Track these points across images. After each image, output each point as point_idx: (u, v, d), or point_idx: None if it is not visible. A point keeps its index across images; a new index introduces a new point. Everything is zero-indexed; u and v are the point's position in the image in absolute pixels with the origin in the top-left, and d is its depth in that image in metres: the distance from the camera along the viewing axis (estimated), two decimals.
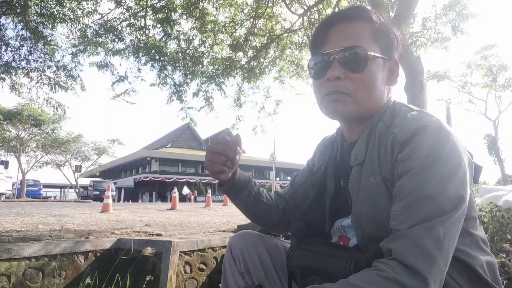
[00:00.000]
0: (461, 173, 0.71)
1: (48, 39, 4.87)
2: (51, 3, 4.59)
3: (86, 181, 38.13)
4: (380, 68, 0.85)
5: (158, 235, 3.08)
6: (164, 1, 5.05)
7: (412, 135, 0.73)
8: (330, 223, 0.96)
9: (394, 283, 0.62)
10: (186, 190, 28.48)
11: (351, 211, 0.86)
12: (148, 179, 39.94)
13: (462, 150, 0.74)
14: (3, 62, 4.72)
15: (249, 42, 5.74)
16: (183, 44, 5.60)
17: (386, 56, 0.87)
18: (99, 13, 4.98)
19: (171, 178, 40.44)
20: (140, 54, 5.28)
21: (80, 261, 2.33)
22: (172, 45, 5.60)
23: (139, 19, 5.13)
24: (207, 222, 4.71)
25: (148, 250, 2.27)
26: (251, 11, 5.61)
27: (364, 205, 0.81)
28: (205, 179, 40.10)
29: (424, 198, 0.67)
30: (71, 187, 38.81)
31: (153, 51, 5.27)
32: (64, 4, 4.64)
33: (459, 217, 0.68)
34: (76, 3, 4.79)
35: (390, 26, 0.89)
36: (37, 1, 4.55)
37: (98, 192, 27.53)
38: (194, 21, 5.38)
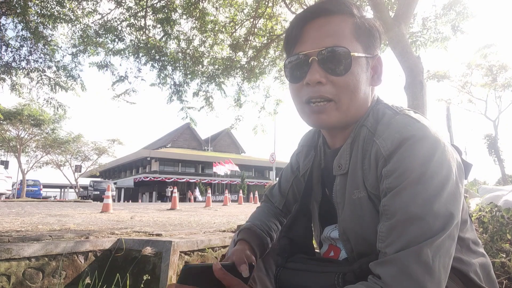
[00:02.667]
0: (449, 187, 0.66)
1: (48, 40, 4.87)
2: (51, 3, 4.60)
3: (86, 181, 38.14)
4: (363, 68, 0.77)
5: (158, 235, 3.08)
6: (164, 1, 5.05)
7: (396, 148, 0.68)
8: (321, 229, 0.94)
9: None
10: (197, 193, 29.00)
11: (338, 223, 0.83)
12: (148, 179, 39.95)
13: (450, 159, 0.69)
14: (4, 63, 4.72)
15: (249, 42, 5.74)
16: (183, 44, 5.61)
17: (369, 54, 0.79)
18: (99, 13, 4.99)
19: (171, 178, 40.45)
20: (140, 54, 5.28)
21: (80, 261, 2.33)
22: (172, 45, 5.62)
23: (139, 19, 5.13)
24: (207, 222, 4.72)
25: (148, 250, 2.27)
26: (251, 11, 5.61)
27: (349, 221, 0.78)
28: (205, 179, 40.13)
29: (410, 218, 0.63)
30: (71, 187, 38.82)
31: (153, 51, 5.27)
32: (64, 4, 4.64)
33: (450, 235, 0.64)
34: (76, 3, 4.79)
35: (372, 20, 0.81)
36: (37, 1, 4.55)
37: (98, 192, 27.54)
38: (194, 21, 5.38)
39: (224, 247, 2.70)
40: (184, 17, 5.33)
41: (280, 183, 1.10)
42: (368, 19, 0.80)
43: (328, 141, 0.90)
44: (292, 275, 0.82)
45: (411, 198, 0.64)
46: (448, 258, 0.64)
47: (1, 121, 20.40)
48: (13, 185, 19.29)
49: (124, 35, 5.16)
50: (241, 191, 18.42)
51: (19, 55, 4.80)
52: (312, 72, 0.75)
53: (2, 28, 4.70)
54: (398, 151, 0.68)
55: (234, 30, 5.77)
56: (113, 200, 24.22)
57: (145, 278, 2.10)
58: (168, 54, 5.47)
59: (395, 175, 0.67)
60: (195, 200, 25.82)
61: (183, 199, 31.70)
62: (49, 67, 5.00)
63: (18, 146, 23.39)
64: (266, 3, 5.50)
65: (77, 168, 32.38)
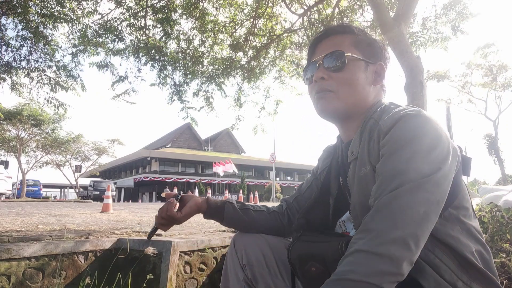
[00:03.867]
0: (436, 153, 0.73)
1: (49, 39, 4.87)
2: (52, 3, 4.60)
3: (86, 181, 38.15)
4: (361, 69, 0.94)
5: (158, 235, 3.08)
6: (164, 1, 5.05)
7: (394, 123, 0.78)
8: (333, 223, 1.01)
9: (355, 253, 0.66)
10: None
11: (350, 202, 0.90)
12: (148, 179, 39.95)
13: (442, 135, 0.76)
14: (4, 62, 4.72)
15: (249, 42, 5.74)
16: (183, 44, 5.61)
17: (370, 60, 0.96)
18: (99, 13, 4.98)
19: (171, 178, 40.46)
20: (140, 54, 5.28)
21: (80, 261, 2.33)
22: (172, 45, 5.62)
23: (139, 19, 5.13)
24: (207, 222, 4.71)
25: (150, 249, 2.26)
26: (251, 11, 5.61)
27: (358, 195, 0.85)
28: (205, 179, 40.14)
29: (395, 174, 0.71)
30: (71, 187, 38.83)
31: (153, 51, 5.28)
32: (65, 4, 4.64)
33: (428, 189, 0.69)
34: (76, 3, 4.79)
35: (373, 38, 1.00)
36: (38, 1, 4.55)
37: (98, 192, 27.55)
38: (194, 21, 5.38)
39: (224, 247, 2.70)
40: (184, 17, 5.33)
41: (300, 186, 1.21)
42: (369, 36, 1.00)
43: (342, 136, 1.02)
44: (301, 245, 0.91)
45: (398, 158, 0.73)
46: (424, 207, 0.68)
47: (1, 121, 20.39)
48: (13, 185, 19.29)
49: (124, 35, 5.16)
50: (241, 191, 18.43)
51: (19, 55, 4.80)
52: (317, 72, 0.96)
53: (2, 28, 4.70)
54: (395, 125, 0.78)
55: (234, 30, 5.77)
56: (113, 200, 24.21)
57: (147, 277, 2.10)
58: (168, 54, 5.47)
59: (389, 144, 0.76)
60: None
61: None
62: (49, 67, 5.00)
63: (18, 146, 23.39)
64: (266, 3, 5.50)
65: (77, 168, 32.39)
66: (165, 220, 1.06)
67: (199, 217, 5.90)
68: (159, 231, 3.30)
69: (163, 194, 1.17)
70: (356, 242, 0.68)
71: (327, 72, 0.94)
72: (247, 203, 1.17)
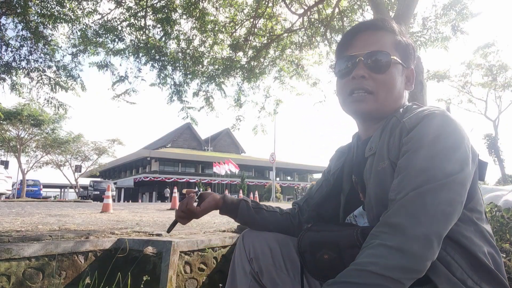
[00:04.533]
0: (459, 154, 0.73)
1: (49, 39, 4.86)
2: (51, 3, 4.59)
3: (86, 181, 38.14)
4: (399, 73, 0.93)
5: (158, 235, 3.08)
6: (164, 1, 5.05)
7: (418, 122, 0.78)
8: (343, 219, 1.02)
9: (378, 246, 0.67)
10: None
11: (365, 197, 0.90)
12: (148, 179, 39.93)
13: (465, 137, 0.77)
14: (4, 62, 4.72)
15: (249, 42, 5.74)
16: (183, 44, 5.61)
17: (405, 65, 0.95)
18: (99, 13, 4.98)
19: (171, 178, 40.44)
20: (140, 54, 5.28)
21: (80, 261, 2.33)
22: (172, 45, 5.61)
23: (139, 19, 5.12)
24: (207, 222, 4.71)
25: (149, 250, 2.26)
26: (251, 11, 5.61)
27: (374, 188, 0.85)
28: (205, 179, 40.12)
29: (419, 170, 0.72)
30: (71, 187, 38.82)
31: (153, 51, 5.27)
32: (64, 4, 4.63)
33: (451, 188, 0.70)
34: (76, 3, 4.79)
35: (409, 39, 0.98)
36: (37, 1, 4.55)
37: (98, 192, 27.53)
38: (194, 21, 5.38)
39: (224, 247, 2.70)
40: (184, 17, 5.33)
41: (310, 188, 1.22)
42: (406, 38, 0.97)
43: (361, 134, 1.02)
44: (315, 235, 0.91)
45: (423, 155, 0.73)
46: (448, 207, 0.69)
47: (1, 121, 20.39)
48: (13, 185, 19.28)
49: (124, 35, 5.16)
50: (241, 191, 18.42)
51: (19, 55, 4.79)
52: (358, 69, 0.91)
53: (2, 28, 4.70)
54: (420, 123, 0.78)
55: (234, 30, 5.76)
56: (113, 200, 24.21)
57: (147, 278, 2.10)
58: (168, 54, 5.46)
59: (413, 141, 0.76)
60: None
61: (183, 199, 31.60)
62: (49, 67, 4.99)
63: (18, 146, 23.38)
64: (266, 3, 5.50)
65: (77, 168, 32.38)
66: (185, 214, 1.11)
67: None
68: (159, 231, 3.30)
69: (184, 191, 1.21)
70: (379, 235, 0.69)
71: (368, 72, 0.91)
72: (261, 203, 1.20)
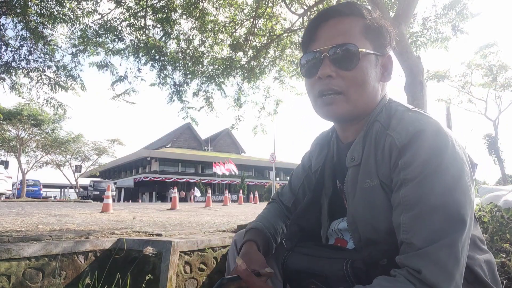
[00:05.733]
0: (464, 179, 0.69)
1: (48, 39, 4.86)
2: (51, 3, 4.59)
3: (86, 181, 38.12)
4: (372, 65, 0.82)
5: (158, 235, 3.08)
6: (164, 1, 5.05)
7: (411, 140, 0.71)
8: (328, 224, 0.96)
9: None
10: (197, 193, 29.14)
11: (346, 213, 0.85)
12: (148, 179, 39.93)
13: (462, 153, 0.72)
14: (3, 62, 4.71)
15: (249, 42, 5.74)
16: (183, 44, 5.61)
17: (379, 52, 0.84)
18: (99, 13, 4.98)
19: (171, 178, 40.43)
20: (140, 54, 5.28)
21: (80, 261, 2.33)
22: (172, 45, 5.62)
23: (139, 19, 5.12)
24: (207, 222, 4.71)
25: (149, 250, 2.26)
26: (251, 11, 5.61)
27: (359, 208, 0.80)
28: (205, 179, 40.11)
29: (434, 208, 0.66)
30: (71, 187, 38.82)
31: (153, 51, 5.27)
32: (64, 4, 4.63)
33: (470, 225, 0.68)
34: (76, 3, 4.79)
35: (382, 21, 0.86)
36: (37, 1, 4.54)
37: (98, 192, 27.52)
38: (194, 21, 5.38)
39: (224, 247, 2.70)
40: (184, 17, 5.33)
41: (291, 182, 1.13)
42: (378, 20, 0.85)
43: (340, 136, 0.93)
44: (300, 259, 0.84)
45: (431, 188, 0.67)
46: (467, 249, 0.68)
47: (1, 121, 20.38)
48: (13, 185, 19.27)
49: (124, 35, 5.16)
50: (241, 191, 18.42)
51: (19, 55, 4.79)
52: (323, 67, 0.81)
53: (2, 28, 4.70)
54: (414, 143, 0.71)
55: (234, 30, 5.76)
56: (113, 200, 24.20)
57: (147, 278, 2.10)
58: (168, 54, 5.47)
59: (413, 167, 0.70)
60: (194, 200, 25.84)
61: (184, 199, 31.69)
62: (49, 67, 4.99)
63: (18, 146, 23.37)
64: (266, 3, 5.50)
65: (77, 168, 32.38)
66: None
67: (199, 217, 5.90)
68: (159, 231, 3.30)
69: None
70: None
71: (335, 69, 0.80)
72: (278, 233, 1.05)
